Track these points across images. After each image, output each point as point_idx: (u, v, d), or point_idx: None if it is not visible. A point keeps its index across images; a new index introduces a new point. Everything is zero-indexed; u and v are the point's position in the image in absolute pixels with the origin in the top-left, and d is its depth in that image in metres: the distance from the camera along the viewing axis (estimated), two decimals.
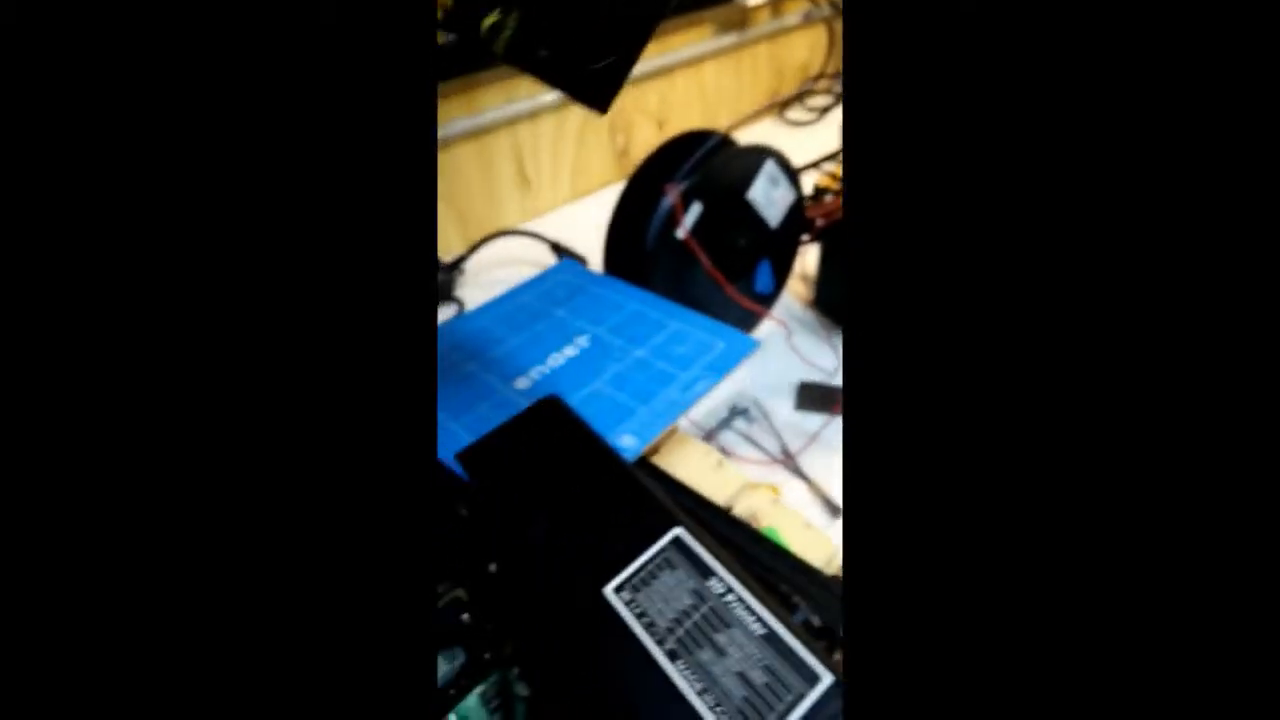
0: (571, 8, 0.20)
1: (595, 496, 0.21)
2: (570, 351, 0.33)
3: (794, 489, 0.38)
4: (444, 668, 0.25)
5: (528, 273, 0.45)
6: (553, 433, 0.23)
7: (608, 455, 0.23)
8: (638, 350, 0.32)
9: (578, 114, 0.67)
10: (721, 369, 0.32)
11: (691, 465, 0.35)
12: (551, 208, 0.68)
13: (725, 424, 0.43)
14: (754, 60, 0.79)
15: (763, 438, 0.42)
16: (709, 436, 0.42)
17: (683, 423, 0.37)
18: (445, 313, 0.52)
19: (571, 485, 0.22)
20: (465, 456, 0.23)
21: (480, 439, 0.24)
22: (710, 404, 0.44)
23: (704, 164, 0.43)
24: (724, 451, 0.39)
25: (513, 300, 0.38)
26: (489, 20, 0.20)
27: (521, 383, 0.32)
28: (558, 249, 0.57)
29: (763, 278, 0.48)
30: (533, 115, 0.63)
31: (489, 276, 0.58)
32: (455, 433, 0.29)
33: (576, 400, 0.30)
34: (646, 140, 0.73)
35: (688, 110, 0.74)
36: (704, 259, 0.40)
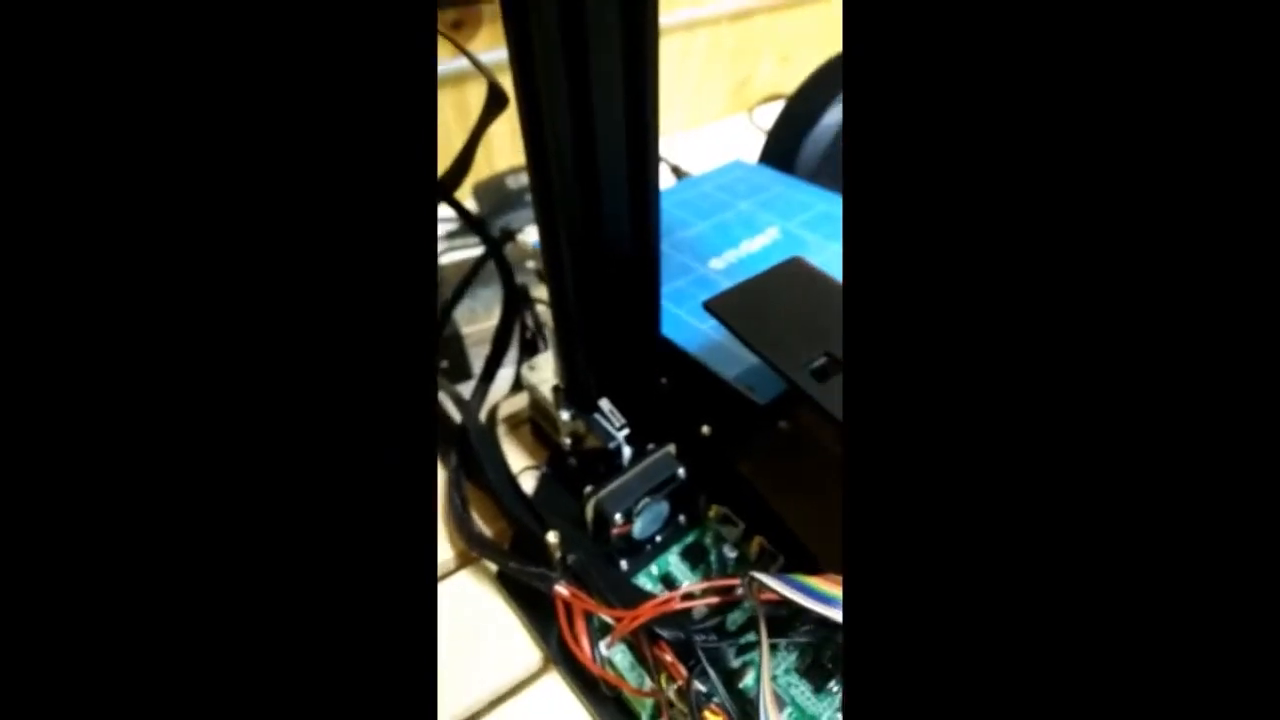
0: None
1: None
2: (762, 240, 0.32)
3: None
4: (646, 520, 0.25)
5: None
6: (806, 286, 0.23)
7: None
8: (833, 245, 0.32)
9: (704, 37, 0.65)
10: None
11: None
12: (667, 133, 0.67)
13: None
14: None
15: None
16: None
17: None
18: None
19: (838, 331, 0.21)
20: (715, 304, 0.23)
21: (729, 289, 0.23)
22: None
23: None
24: None
25: (689, 190, 0.37)
26: None
27: (716, 263, 0.31)
28: (678, 172, 0.56)
29: None
30: (665, 34, 0.61)
31: None
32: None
33: None
34: (767, 74, 0.71)
35: (814, 45, 0.72)
36: None
